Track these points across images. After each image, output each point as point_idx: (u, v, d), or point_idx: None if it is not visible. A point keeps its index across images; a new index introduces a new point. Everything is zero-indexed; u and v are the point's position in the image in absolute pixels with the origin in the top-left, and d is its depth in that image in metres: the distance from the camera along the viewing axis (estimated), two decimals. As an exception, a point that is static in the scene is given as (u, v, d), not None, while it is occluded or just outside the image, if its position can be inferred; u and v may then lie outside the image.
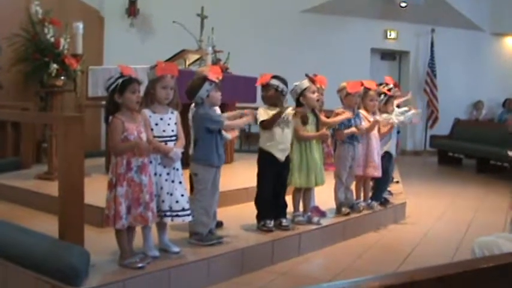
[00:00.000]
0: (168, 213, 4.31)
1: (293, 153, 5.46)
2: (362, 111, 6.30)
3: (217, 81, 4.73)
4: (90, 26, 8.77)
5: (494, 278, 1.48)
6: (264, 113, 5.24)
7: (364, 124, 6.17)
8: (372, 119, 6.29)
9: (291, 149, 5.44)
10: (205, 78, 4.67)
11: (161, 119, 4.33)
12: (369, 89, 6.35)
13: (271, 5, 12.83)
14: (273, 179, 5.31)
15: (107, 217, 3.99)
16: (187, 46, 8.16)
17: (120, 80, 4.01)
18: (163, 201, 4.28)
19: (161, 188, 4.29)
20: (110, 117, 4.03)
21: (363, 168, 6.31)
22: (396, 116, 6.76)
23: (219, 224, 5.26)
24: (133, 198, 4.00)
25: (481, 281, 1.45)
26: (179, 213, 4.34)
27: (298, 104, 5.58)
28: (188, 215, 4.41)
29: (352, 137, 6.07)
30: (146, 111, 4.25)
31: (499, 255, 1.64)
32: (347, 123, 6.04)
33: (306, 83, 5.55)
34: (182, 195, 4.37)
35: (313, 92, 5.57)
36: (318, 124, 5.65)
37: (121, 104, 4.02)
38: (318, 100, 5.71)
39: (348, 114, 5.95)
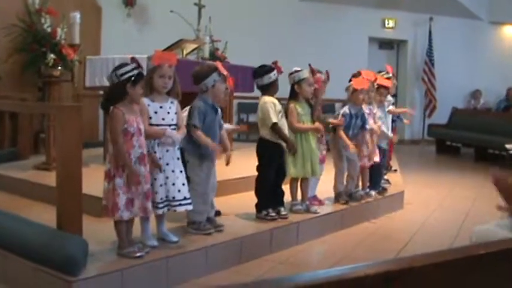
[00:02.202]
0: (165, 203, 4.30)
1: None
2: (364, 107, 6.32)
3: (225, 74, 4.74)
4: (87, 15, 8.74)
5: (493, 264, 1.48)
6: (274, 109, 5.27)
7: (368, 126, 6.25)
8: (367, 110, 6.31)
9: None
10: (215, 69, 4.68)
11: (161, 107, 4.32)
12: (372, 82, 6.37)
13: (269, -7, 12.82)
14: (275, 168, 5.32)
15: (106, 208, 3.99)
16: (185, 36, 8.14)
17: (136, 72, 4.00)
18: (156, 192, 4.27)
19: (155, 179, 4.27)
20: (111, 108, 4.01)
21: (368, 158, 6.33)
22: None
23: (217, 213, 5.27)
24: (133, 189, 4.01)
25: (480, 267, 1.45)
26: (182, 202, 4.35)
27: (293, 90, 5.58)
28: (190, 203, 4.42)
29: (349, 129, 6.09)
30: (145, 100, 4.24)
31: (497, 241, 1.63)
32: (348, 120, 6.06)
33: (305, 73, 5.55)
34: (183, 184, 4.38)
35: (310, 85, 5.58)
36: (313, 115, 5.66)
37: (128, 94, 4.00)
38: (313, 93, 5.73)
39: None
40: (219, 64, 4.86)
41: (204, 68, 4.79)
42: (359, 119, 6.17)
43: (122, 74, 3.99)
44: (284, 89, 5.53)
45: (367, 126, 6.26)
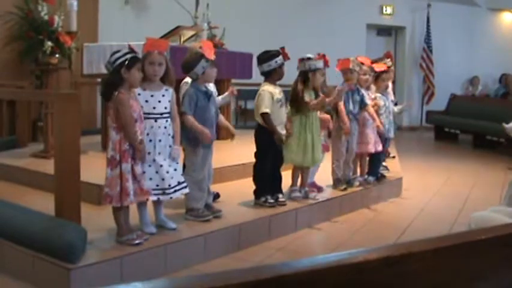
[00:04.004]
0: (159, 191, 4.29)
1: (293, 129, 5.46)
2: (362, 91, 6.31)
3: (213, 59, 4.73)
4: (85, 3, 8.68)
5: (492, 249, 1.48)
6: (270, 99, 5.23)
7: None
8: (364, 93, 6.30)
9: (291, 126, 5.46)
10: (202, 55, 4.67)
11: (152, 95, 4.30)
12: (362, 64, 6.36)
13: (267, -20, 12.75)
14: (273, 154, 5.32)
15: (108, 195, 3.98)
16: (183, 23, 8.10)
17: (129, 56, 4.00)
18: (151, 179, 4.25)
19: (149, 166, 4.26)
20: (116, 93, 4.00)
21: (359, 145, 6.32)
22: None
23: (216, 196, 5.28)
24: (132, 174, 4.01)
25: (479, 253, 1.45)
26: (176, 187, 4.35)
27: (303, 75, 5.54)
28: (185, 186, 4.43)
29: (347, 112, 6.06)
30: (136, 89, 4.22)
31: (495, 226, 1.64)
32: (347, 99, 6.06)
33: (320, 63, 5.55)
34: (175, 170, 4.38)
35: (322, 75, 5.60)
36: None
37: (125, 79, 4.00)
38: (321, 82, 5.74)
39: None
40: (204, 47, 4.82)
41: (192, 57, 4.77)
42: (355, 93, 6.16)
43: (115, 60, 4.01)
44: (289, 76, 5.51)
45: (367, 101, 6.25)
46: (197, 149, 4.75)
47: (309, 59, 5.51)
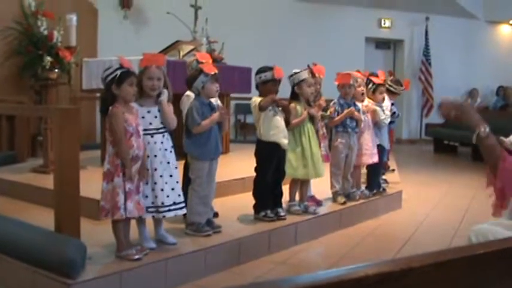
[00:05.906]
0: (153, 209, 4.28)
1: (289, 144, 5.45)
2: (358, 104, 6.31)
3: (212, 73, 4.72)
4: (84, 18, 8.71)
5: (492, 264, 1.48)
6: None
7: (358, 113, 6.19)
8: (360, 106, 6.30)
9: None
10: (201, 71, 4.68)
11: (148, 111, 4.29)
12: (357, 76, 6.40)
13: (265, -6, 12.81)
14: (274, 168, 5.31)
15: (104, 209, 3.97)
16: (182, 37, 8.14)
17: (118, 72, 4.00)
18: (147, 196, 4.25)
19: (147, 183, 4.25)
20: (110, 108, 4.01)
21: (357, 157, 6.32)
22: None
23: (215, 215, 5.26)
24: (130, 187, 4.00)
25: (479, 267, 1.45)
26: (171, 207, 4.31)
27: (293, 91, 5.58)
28: (181, 208, 4.38)
29: (346, 126, 6.06)
30: (133, 105, 4.22)
31: (495, 240, 1.64)
32: (340, 111, 6.05)
33: (304, 74, 5.55)
34: (173, 189, 4.34)
35: (310, 86, 5.58)
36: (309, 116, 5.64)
37: (118, 95, 4.00)
38: (312, 93, 5.71)
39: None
40: (205, 65, 4.82)
41: (192, 72, 4.82)
42: (352, 107, 6.15)
43: (106, 77, 4.03)
44: (283, 91, 5.51)
45: (364, 117, 6.25)
46: (203, 164, 4.73)
47: (294, 73, 5.55)
